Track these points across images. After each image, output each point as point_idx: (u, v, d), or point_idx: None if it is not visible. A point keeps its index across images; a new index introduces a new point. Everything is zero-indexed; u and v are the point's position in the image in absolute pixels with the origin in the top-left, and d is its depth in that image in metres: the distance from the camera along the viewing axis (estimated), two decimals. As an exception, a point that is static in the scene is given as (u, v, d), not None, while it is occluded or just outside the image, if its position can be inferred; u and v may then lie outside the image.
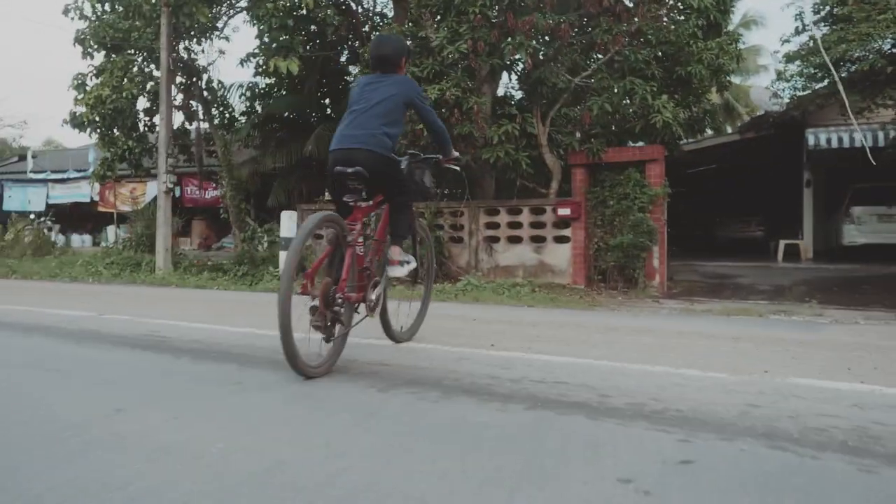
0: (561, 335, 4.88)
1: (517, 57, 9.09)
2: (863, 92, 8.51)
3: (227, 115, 14.99)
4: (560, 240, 9.64)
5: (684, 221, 18.85)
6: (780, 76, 10.92)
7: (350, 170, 3.45)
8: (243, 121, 15.15)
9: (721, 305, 7.07)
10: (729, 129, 19.32)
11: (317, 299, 3.33)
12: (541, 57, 9.63)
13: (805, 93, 9.58)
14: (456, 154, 4.21)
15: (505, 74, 10.79)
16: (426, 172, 4.05)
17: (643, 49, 9.57)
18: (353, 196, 3.54)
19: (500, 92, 11.75)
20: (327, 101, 14.91)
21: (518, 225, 10.03)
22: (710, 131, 19.36)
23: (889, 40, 7.86)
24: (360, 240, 3.62)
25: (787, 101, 11.75)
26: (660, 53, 9.71)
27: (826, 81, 9.32)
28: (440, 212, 10.69)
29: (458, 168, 4.56)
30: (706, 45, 9.57)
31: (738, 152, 16.71)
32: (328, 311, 3.36)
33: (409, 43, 9.96)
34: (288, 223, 8.25)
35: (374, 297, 3.72)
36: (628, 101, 9.25)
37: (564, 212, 9.39)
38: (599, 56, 9.70)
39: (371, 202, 3.71)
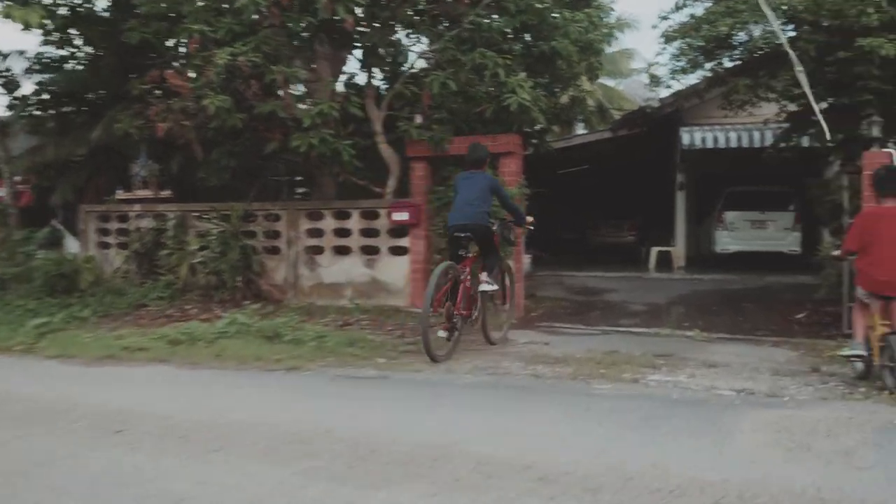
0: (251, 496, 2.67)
1: (336, 18, 7.02)
2: (752, 80, 7.13)
3: (18, 95, 12.02)
4: (397, 251, 7.79)
5: (557, 226, 17.62)
6: (652, 79, 9.38)
7: (463, 234, 5.65)
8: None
9: (584, 347, 5.54)
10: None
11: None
12: (374, 20, 7.65)
13: (684, 78, 8.17)
14: (529, 219, 6.38)
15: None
16: (511, 230, 6.24)
17: (499, 17, 7.79)
18: (464, 250, 5.69)
19: (363, 80, 9.66)
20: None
21: (346, 232, 8.07)
22: (583, 130, 18.31)
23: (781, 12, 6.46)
24: (469, 278, 5.68)
25: (662, 92, 10.43)
26: (518, 25, 7.93)
27: (709, 66, 7.92)
28: (251, 215, 8.43)
29: (531, 228, 6.57)
30: (573, 17, 7.93)
31: (613, 152, 15.56)
32: (448, 322, 5.47)
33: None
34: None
35: (475, 314, 5.77)
36: (477, 79, 7.40)
37: (401, 216, 7.53)
38: (448, 26, 7.82)
39: (473, 254, 5.79)
